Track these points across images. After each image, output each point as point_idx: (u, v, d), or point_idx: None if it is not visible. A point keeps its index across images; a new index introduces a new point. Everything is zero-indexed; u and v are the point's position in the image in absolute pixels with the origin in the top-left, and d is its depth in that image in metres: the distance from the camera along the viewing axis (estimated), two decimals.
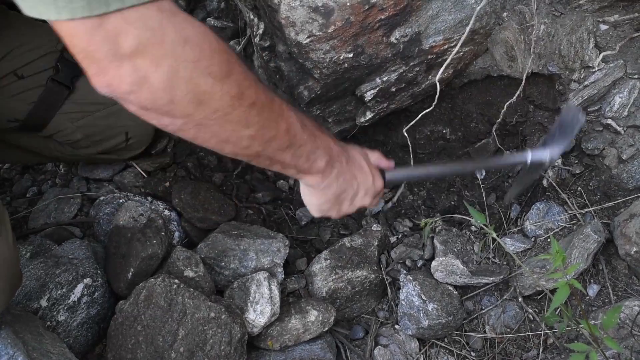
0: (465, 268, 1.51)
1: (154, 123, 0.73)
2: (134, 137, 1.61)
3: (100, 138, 1.56)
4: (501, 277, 1.53)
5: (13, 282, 1.09)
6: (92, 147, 1.58)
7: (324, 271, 1.54)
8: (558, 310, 1.38)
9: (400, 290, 1.52)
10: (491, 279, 1.52)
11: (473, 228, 1.79)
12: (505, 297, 1.53)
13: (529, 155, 1.27)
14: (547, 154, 1.28)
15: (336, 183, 0.98)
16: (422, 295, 1.47)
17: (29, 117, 1.44)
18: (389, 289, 1.60)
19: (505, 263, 1.62)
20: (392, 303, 1.59)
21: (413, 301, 1.48)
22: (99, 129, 1.53)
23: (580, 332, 1.37)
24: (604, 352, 1.15)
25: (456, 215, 1.75)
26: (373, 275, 1.55)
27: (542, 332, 1.46)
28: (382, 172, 1.11)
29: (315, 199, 1.02)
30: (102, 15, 0.61)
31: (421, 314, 1.46)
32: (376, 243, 1.63)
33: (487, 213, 1.81)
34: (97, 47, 0.65)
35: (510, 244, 1.61)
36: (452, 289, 1.52)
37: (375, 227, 1.69)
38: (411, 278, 1.51)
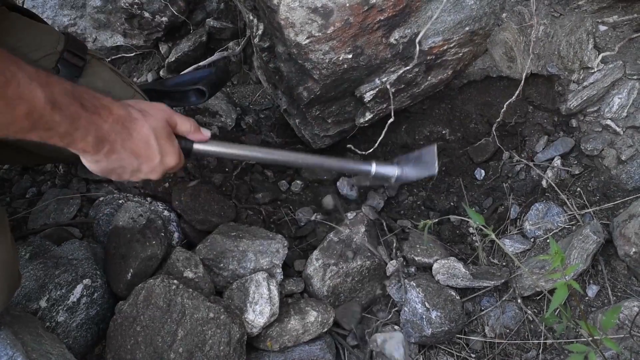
0: (466, 271, 1.51)
1: None
2: None
3: None
4: (502, 280, 1.53)
5: (11, 283, 1.09)
6: None
7: (319, 271, 1.54)
8: (557, 311, 1.38)
9: (405, 297, 1.52)
10: (492, 282, 1.52)
11: (471, 230, 1.79)
12: (504, 298, 1.53)
13: (373, 168, 1.35)
14: (394, 172, 1.37)
15: (106, 160, 0.95)
16: (426, 303, 1.46)
17: None
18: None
19: (504, 264, 1.62)
20: (391, 303, 1.58)
21: (416, 308, 1.47)
22: None
23: (580, 332, 1.37)
24: (603, 352, 1.15)
25: (454, 216, 1.75)
26: (369, 262, 1.55)
27: (542, 332, 1.46)
28: (188, 142, 1.07)
29: (88, 164, 0.98)
30: None
31: (424, 322, 1.45)
32: (364, 228, 1.63)
33: (485, 214, 1.81)
34: None
35: (510, 245, 1.61)
36: (454, 293, 1.52)
37: (364, 210, 1.69)
38: (415, 284, 1.50)
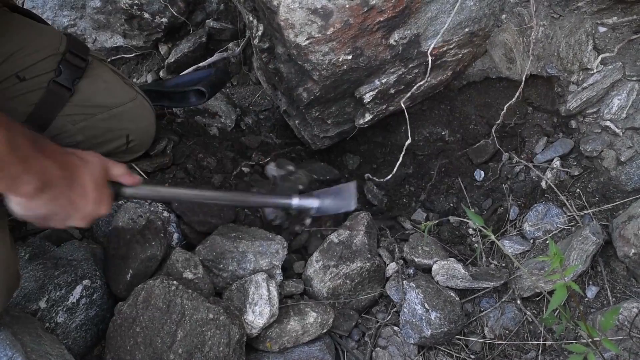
0: (466, 272, 1.51)
1: None
2: (134, 140, 1.61)
3: (101, 140, 1.56)
4: (502, 281, 1.53)
5: (11, 284, 1.09)
6: (93, 150, 1.58)
7: (319, 273, 1.54)
8: (556, 312, 1.38)
9: (404, 297, 1.52)
10: (492, 283, 1.52)
11: (470, 231, 1.79)
12: (504, 299, 1.53)
13: (295, 201, 1.47)
14: (314, 204, 1.50)
15: (45, 207, 0.95)
16: (425, 304, 1.46)
17: (30, 118, 1.44)
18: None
19: (504, 265, 1.62)
20: (390, 304, 1.58)
21: (416, 309, 1.47)
22: (100, 131, 1.53)
23: (579, 333, 1.37)
24: (602, 353, 1.15)
25: (454, 217, 1.76)
26: (369, 264, 1.55)
27: (541, 334, 1.46)
28: (119, 187, 1.11)
29: (18, 210, 0.95)
30: None
31: (424, 323, 1.45)
32: (363, 230, 1.63)
33: (485, 215, 1.81)
34: None
35: (509, 246, 1.62)
36: (453, 294, 1.52)
37: (362, 215, 1.69)
38: (414, 285, 1.50)
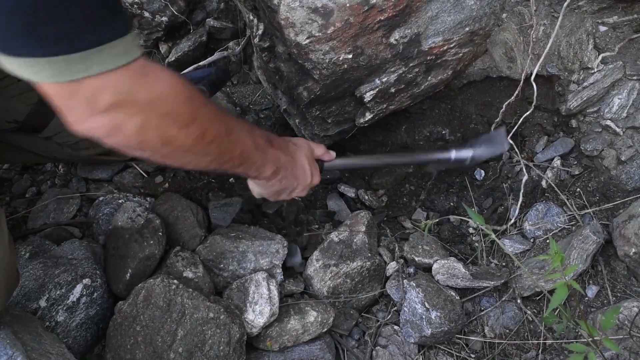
0: (466, 271, 1.51)
1: (125, 152, 0.85)
2: None
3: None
4: (502, 280, 1.53)
5: (10, 283, 1.09)
6: (91, 149, 1.58)
7: (319, 272, 1.54)
8: (557, 311, 1.38)
9: (404, 297, 1.52)
10: (492, 282, 1.52)
11: (471, 230, 1.79)
12: (504, 298, 1.53)
13: (453, 154, 1.55)
14: (469, 153, 1.55)
15: (279, 184, 1.20)
16: (426, 303, 1.46)
17: (28, 118, 1.44)
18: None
19: (504, 264, 1.62)
20: (391, 304, 1.59)
21: (416, 308, 1.47)
22: None
23: (579, 332, 1.37)
24: (603, 353, 1.15)
25: (455, 217, 1.76)
26: (369, 263, 1.55)
27: (541, 333, 1.46)
28: (321, 162, 1.34)
29: (258, 189, 1.25)
30: (80, 79, 0.71)
31: (424, 323, 1.44)
32: (364, 229, 1.63)
33: (485, 214, 1.81)
34: (76, 106, 0.74)
35: (509, 246, 1.61)
36: (453, 294, 1.52)
37: (362, 214, 1.69)
38: (414, 284, 1.50)
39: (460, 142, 1.84)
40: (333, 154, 1.39)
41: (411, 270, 1.61)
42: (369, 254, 1.58)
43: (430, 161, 1.86)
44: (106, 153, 1.62)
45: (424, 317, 1.45)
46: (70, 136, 1.51)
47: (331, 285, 1.53)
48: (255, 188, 1.25)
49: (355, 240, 1.60)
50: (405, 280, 1.54)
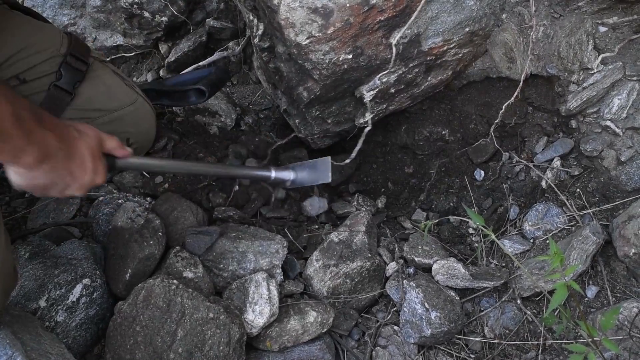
0: (466, 272, 1.51)
1: None
2: (135, 143, 1.60)
3: None
4: (502, 280, 1.53)
5: (7, 283, 1.09)
6: None
7: (319, 272, 1.54)
8: (557, 311, 1.38)
9: (404, 297, 1.52)
10: (492, 282, 1.52)
11: (471, 230, 1.79)
12: (504, 298, 1.53)
13: (273, 173, 1.58)
14: (290, 176, 1.60)
15: (44, 177, 0.99)
16: (425, 304, 1.46)
17: None
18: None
19: (504, 265, 1.62)
20: (390, 304, 1.59)
21: (416, 309, 1.47)
22: None
23: (579, 333, 1.37)
24: (602, 353, 1.15)
25: (454, 217, 1.75)
26: (369, 263, 1.55)
27: (541, 333, 1.46)
28: (112, 159, 1.15)
29: (17, 178, 1.00)
30: None
31: (424, 323, 1.44)
32: (364, 229, 1.63)
33: (485, 215, 1.81)
34: None
35: (509, 246, 1.62)
36: (453, 294, 1.51)
37: (362, 214, 1.69)
38: (414, 284, 1.50)
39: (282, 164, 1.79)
40: (128, 151, 1.19)
41: (411, 270, 1.61)
42: (369, 254, 1.58)
43: (249, 177, 1.77)
44: None
45: (423, 317, 1.45)
46: None
47: (331, 285, 1.53)
48: (14, 176, 1.00)
49: (355, 241, 1.60)
50: (405, 281, 1.53)
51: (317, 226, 1.80)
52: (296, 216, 1.86)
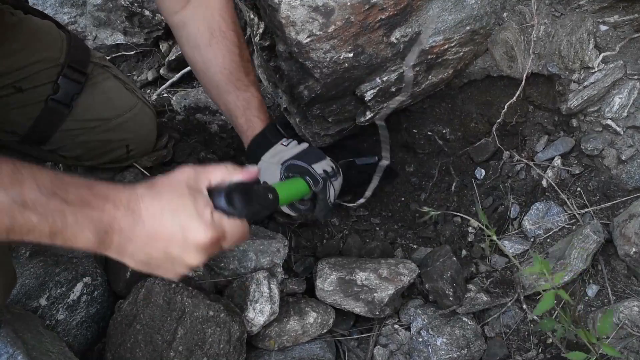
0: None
1: None
2: (135, 149, 1.60)
3: (101, 152, 1.55)
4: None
5: (8, 282, 1.09)
6: (94, 160, 1.58)
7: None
8: (555, 314, 1.38)
9: (411, 326, 1.50)
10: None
11: (470, 229, 1.79)
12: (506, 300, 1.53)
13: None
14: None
15: (127, 255, 0.79)
16: (430, 330, 1.44)
17: (30, 132, 1.42)
18: None
19: (505, 264, 1.62)
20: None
21: (422, 335, 1.45)
22: (100, 144, 1.52)
23: (579, 332, 1.37)
24: (602, 357, 1.15)
25: (457, 214, 1.75)
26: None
27: (542, 332, 1.46)
28: (231, 197, 0.81)
29: (125, 262, 0.82)
30: None
31: (430, 350, 1.42)
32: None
33: (485, 214, 1.81)
34: None
35: (510, 246, 1.61)
36: (466, 319, 1.47)
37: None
38: (420, 312, 1.49)
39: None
40: (250, 172, 0.87)
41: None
42: None
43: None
44: (109, 162, 1.62)
45: (429, 344, 1.43)
46: (74, 150, 1.50)
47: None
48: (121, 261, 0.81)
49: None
50: (412, 309, 1.52)
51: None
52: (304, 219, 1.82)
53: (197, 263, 0.81)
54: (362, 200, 1.68)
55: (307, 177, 1.24)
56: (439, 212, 1.74)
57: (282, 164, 1.28)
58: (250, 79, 1.35)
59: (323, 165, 1.29)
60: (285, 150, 1.33)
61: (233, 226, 0.83)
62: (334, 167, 1.33)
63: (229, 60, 1.31)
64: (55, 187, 0.72)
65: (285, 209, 1.31)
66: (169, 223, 0.77)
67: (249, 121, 1.33)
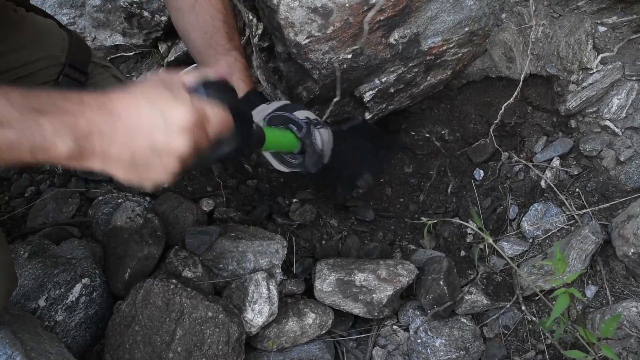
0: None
1: None
2: None
3: None
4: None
5: (9, 285, 1.09)
6: None
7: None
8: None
9: (409, 326, 1.50)
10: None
11: (469, 230, 1.79)
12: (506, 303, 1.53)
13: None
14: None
15: (113, 160, 0.74)
16: (429, 331, 1.44)
17: None
18: None
19: (504, 265, 1.62)
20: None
21: (421, 336, 1.45)
22: None
23: (578, 332, 1.37)
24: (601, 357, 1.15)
25: (454, 220, 1.75)
26: None
27: (540, 333, 1.46)
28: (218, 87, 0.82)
29: (112, 174, 0.76)
30: None
31: (429, 351, 1.42)
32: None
33: (483, 217, 1.81)
34: None
35: (508, 247, 1.61)
36: (465, 320, 1.47)
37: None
38: (419, 313, 1.48)
39: None
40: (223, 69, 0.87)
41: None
42: None
43: None
44: None
45: (427, 345, 1.43)
46: None
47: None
48: (110, 173, 0.77)
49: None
50: (410, 311, 1.52)
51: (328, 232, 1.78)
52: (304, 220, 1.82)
53: (184, 149, 0.75)
54: (367, 180, 1.61)
55: (290, 125, 1.26)
56: (435, 221, 1.74)
57: (264, 119, 1.28)
58: (234, 44, 1.34)
59: (305, 114, 1.29)
60: (267, 107, 1.32)
61: (214, 109, 0.80)
62: (318, 118, 1.34)
63: (210, 25, 1.31)
64: (28, 100, 0.70)
65: (277, 166, 1.32)
66: (148, 111, 0.74)
67: (233, 83, 1.32)
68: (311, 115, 1.30)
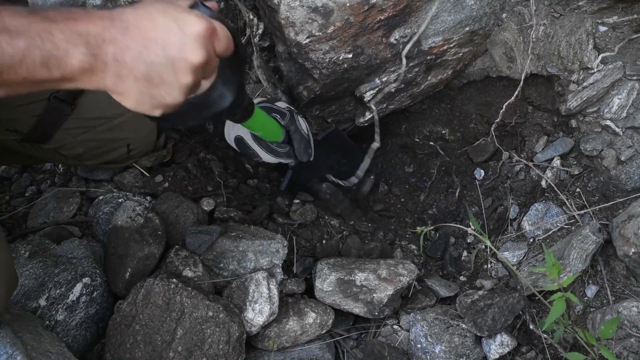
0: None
1: None
2: (135, 148, 1.60)
3: (102, 151, 1.55)
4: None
5: (10, 285, 1.09)
6: (94, 159, 1.58)
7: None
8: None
9: (409, 331, 1.49)
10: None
11: (470, 230, 1.79)
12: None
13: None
14: None
15: (127, 74, 0.71)
16: (429, 337, 1.43)
17: (33, 131, 1.43)
18: None
19: (505, 274, 1.62)
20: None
21: (420, 342, 1.43)
22: (101, 142, 1.52)
23: (578, 333, 1.37)
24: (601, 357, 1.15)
25: (451, 225, 1.75)
26: None
27: (541, 332, 1.46)
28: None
29: (127, 96, 0.74)
30: None
31: (428, 357, 1.41)
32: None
33: (484, 217, 1.81)
34: None
35: (508, 248, 1.61)
36: (465, 326, 1.45)
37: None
38: (419, 318, 1.47)
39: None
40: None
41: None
42: None
43: None
44: (109, 162, 1.62)
45: (427, 351, 1.42)
46: (75, 148, 1.50)
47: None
48: (121, 99, 0.76)
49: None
50: (411, 314, 1.52)
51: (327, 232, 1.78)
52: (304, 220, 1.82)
53: (199, 59, 0.73)
54: (354, 179, 1.70)
55: (273, 114, 1.30)
56: (431, 228, 1.73)
57: None
58: None
59: (283, 104, 1.37)
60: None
61: (219, 24, 0.79)
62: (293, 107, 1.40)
63: None
64: (36, 10, 0.67)
65: (265, 157, 1.35)
66: (162, 21, 0.72)
67: None
68: (291, 106, 1.34)
